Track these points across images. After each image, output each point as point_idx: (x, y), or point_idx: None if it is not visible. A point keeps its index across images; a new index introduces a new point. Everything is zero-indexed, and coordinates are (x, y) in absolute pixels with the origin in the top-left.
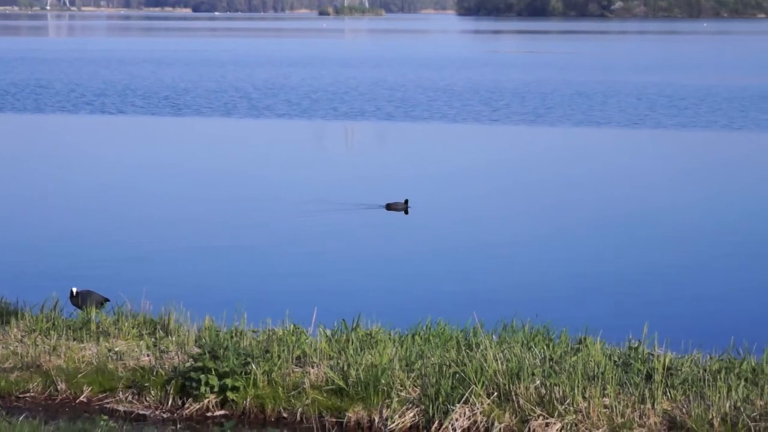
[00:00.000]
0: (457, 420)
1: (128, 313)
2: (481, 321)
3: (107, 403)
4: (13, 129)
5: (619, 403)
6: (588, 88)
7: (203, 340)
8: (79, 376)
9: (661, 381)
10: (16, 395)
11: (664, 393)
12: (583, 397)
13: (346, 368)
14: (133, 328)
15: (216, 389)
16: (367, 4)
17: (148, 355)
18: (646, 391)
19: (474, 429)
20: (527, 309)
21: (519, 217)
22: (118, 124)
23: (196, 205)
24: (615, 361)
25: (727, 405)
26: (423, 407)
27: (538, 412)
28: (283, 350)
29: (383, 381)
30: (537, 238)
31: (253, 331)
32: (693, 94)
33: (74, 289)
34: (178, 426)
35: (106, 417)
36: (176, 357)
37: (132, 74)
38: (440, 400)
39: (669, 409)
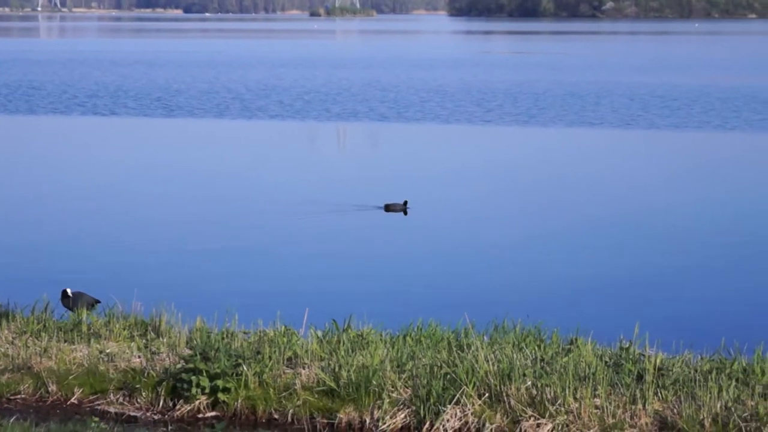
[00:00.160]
0: (448, 421)
1: (119, 315)
2: (473, 322)
3: (98, 404)
4: (5, 130)
5: (610, 403)
6: (580, 89)
7: (194, 342)
8: (70, 377)
9: (652, 381)
10: (7, 397)
11: (655, 393)
12: (574, 398)
13: (337, 369)
14: (124, 329)
15: (207, 391)
16: (358, 5)
17: (139, 357)
18: (637, 391)
19: (465, 430)
20: (518, 310)
21: (511, 218)
22: (110, 125)
23: (187, 207)
24: (606, 362)
25: (718, 405)
26: (414, 408)
27: (529, 412)
28: (275, 351)
29: (374, 382)
30: (528, 239)
31: (245, 333)
32: (685, 94)
33: (68, 290)
34: (169, 427)
35: (97, 419)
36: (167, 358)
37: (124, 75)
38: (431, 401)
39: (660, 409)
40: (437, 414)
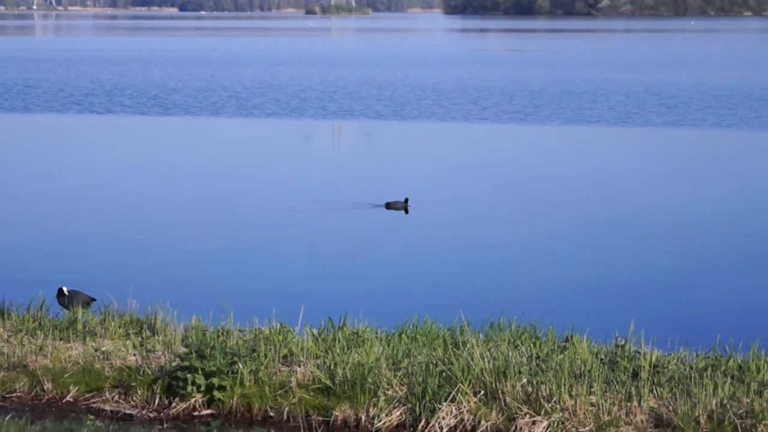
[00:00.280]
0: (443, 418)
1: (115, 313)
2: (468, 319)
3: (94, 402)
4: (1, 129)
5: (605, 401)
6: (576, 87)
7: (190, 340)
8: (66, 375)
9: (648, 379)
10: (2, 395)
11: (651, 391)
12: (570, 395)
13: (332, 367)
14: (119, 327)
15: (202, 388)
16: (354, 3)
17: (134, 355)
18: (633, 389)
19: (461, 427)
20: (514, 307)
21: (506, 215)
22: (106, 123)
23: (183, 205)
24: (601, 359)
25: (714, 402)
26: (410, 406)
27: (525, 410)
28: (270, 349)
29: (370, 380)
30: (524, 237)
31: (240, 331)
32: (681, 92)
33: (64, 288)
34: (165, 425)
35: (92, 417)
36: (163, 356)
37: (120, 74)
38: (427, 398)
39: (655, 406)
40: (433, 411)
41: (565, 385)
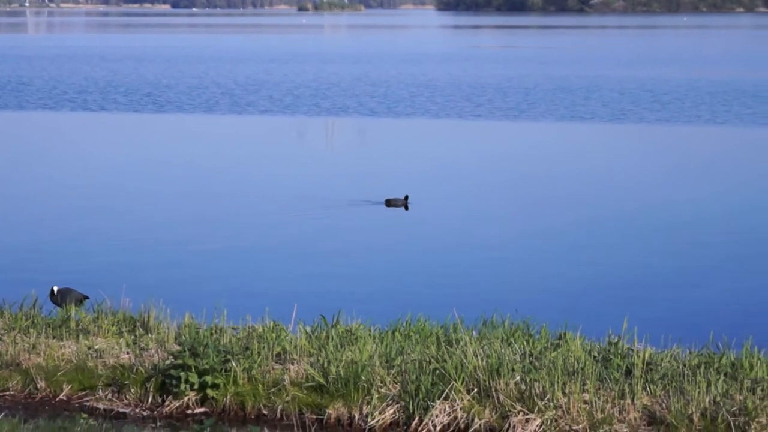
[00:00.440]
0: (437, 416)
1: (108, 311)
2: (461, 317)
3: (87, 401)
4: None
5: (598, 398)
6: (570, 83)
7: (183, 338)
8: (59, 374)
9: (641, 376)
10: None
11: (644, 388)
12: (563, 393)
13: (326, 365)
14: (112, 325)
15: (196, 387)
16: (346, 0)
17: (127, 353)
18: (626, 386)
19: (454, 425)
20: (507, 305)
21: (499, 213)
22: (100, 121)
23: (177, 202)
24: (595, 357)
25: (707, 400)
26: (403, 403)
27: (518, 407)
28: (263, 347)
29: (363, 377)
30: (517, 234)
31: (233, 329)
32: (675, 88)
33: (55, 288)
34: (158, 424)
35: (85, 415)
36: (156, 355)
37: (113, 71)
38: (420, 396)
39: (649, 404)
40: (426, 409)
41: (558, 382)
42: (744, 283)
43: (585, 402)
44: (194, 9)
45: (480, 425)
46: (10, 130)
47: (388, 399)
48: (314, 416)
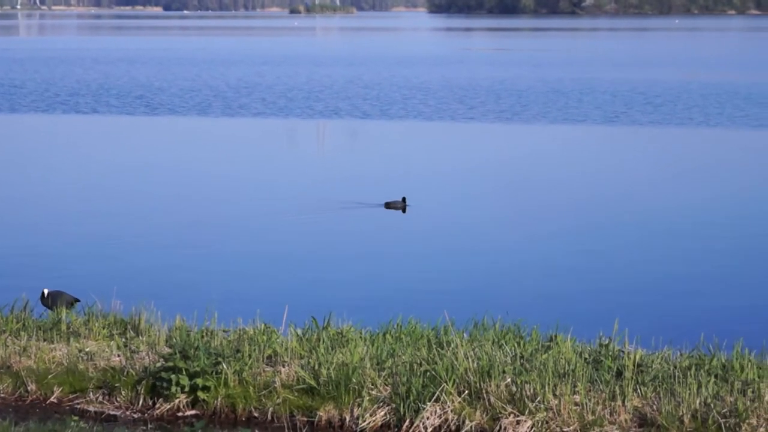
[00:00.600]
0: (428, 418)
1: (99, 314)
2: (452, 319)
3: (78, 403)
4: None
5: (589, 400)
6: (563, 86)
7: (174, 340)
8: (50, 376)
9: (632, 378)
10: None
11: (635, 390)
12: (554, 395)
13: (317, 367)
14: (103, 328)
15: (187, 389)
16: (338, 2)
17: (118, 356)
18: (617, 388)
19: (445, 427)
20: (498, 307)
21: (491, 215)
22: (92, 123)
23: (169, 205)
24: (585, 359)
25: (698, 401)
26: (394, 406)
27: (509, 410)
28: (254, 349)
29: (354, 380)
30: (508, 236)
31: (224, 331)
32: (668, 91)
33: (46, 290)
34: (149, 426)
35: (76, 418)
36: (147, 357)
37: (106, 73)
38: (411, 398)
39: (639, 406)
40: (417, 411)
41: (549, 384)
42: (735, 284)
43: (576, 404)
44: (185, 12)
45: (471, 427)
46: (1, 133)
47: (379, 401)
48: (305, 419)
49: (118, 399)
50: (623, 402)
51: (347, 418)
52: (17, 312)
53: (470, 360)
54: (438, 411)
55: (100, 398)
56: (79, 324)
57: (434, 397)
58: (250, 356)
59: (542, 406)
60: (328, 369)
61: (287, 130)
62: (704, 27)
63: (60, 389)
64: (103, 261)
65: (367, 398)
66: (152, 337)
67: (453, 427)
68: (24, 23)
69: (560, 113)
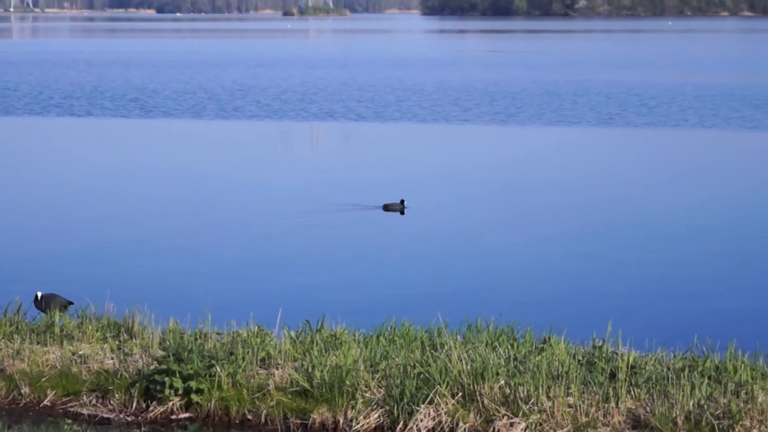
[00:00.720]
0: (421, 420)
1: (92, 316)
2: (446, 321)
3: (71, 406)
4: None
5: (583, 402)
6: (557, 88)
7: (167, 343)
8: (43, 379)
9: (625, 380)
10: None
11: (628, 392)
12: (548, 397)
13: (310, 370)
14: (97, 331)
15: (180, 392)
16: (331, 5)
17: (112, 358)
18: (610, 389)
19: (439, 429)
20: (491, 309)
21: (486, 217)
22: (86, 126)
23: (163, 207)
24: (579, 360)
25: (691, 403)
26: (388, 408)
27: (503, 411)
28: (248, 352)
29: (348, 382)
30: (501, 238)
31: (218, 333)
32: (662, 92)
33: (39, 293)
34: (143, 429)
35: (70, 421)
36: (140, 360)
37: (100, 76)
38: (405, 400)
39: (633, 407)
40: (411, 414)
41: (542, 386)
42: (728, 286)
43: (569, 406)
44: (178, 14)
45: (465, 429)
46: None
47: (373, 403)
48: (299, 421)
49: (111, 402)
50: (617, 404)
51: (341, 421)
52: (10, 315)
53: (464, 362)
54: (432, 413)
55: (94, 401)
56: (72, 327)
57: (428, 399)
58: (243, 359)
59: (536, 408)
60: (322, 371)
61: (282, 132)
62: (697, 28)
63: (53, 392)
64: (97, 264)
65: (361, 400)
66: (146, 339)
67: (447, 429)
68: (17, 26)
69: (555, 115)
